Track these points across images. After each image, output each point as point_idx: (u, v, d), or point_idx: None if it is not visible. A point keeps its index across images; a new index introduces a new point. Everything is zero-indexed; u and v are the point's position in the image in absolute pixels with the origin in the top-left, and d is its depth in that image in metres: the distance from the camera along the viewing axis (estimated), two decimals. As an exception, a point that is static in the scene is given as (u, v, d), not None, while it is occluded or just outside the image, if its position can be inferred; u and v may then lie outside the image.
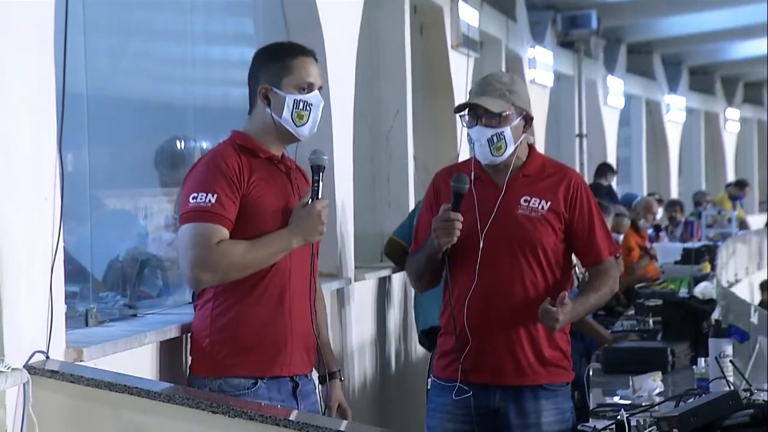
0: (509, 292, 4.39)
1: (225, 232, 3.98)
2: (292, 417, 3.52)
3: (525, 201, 4.44)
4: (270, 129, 4.13)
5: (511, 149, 4.42)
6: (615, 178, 15.50)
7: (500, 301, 4.40)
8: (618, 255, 4.84)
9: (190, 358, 4.13)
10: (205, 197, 3.97)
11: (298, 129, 4.12)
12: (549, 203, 4.44)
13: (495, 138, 4.40)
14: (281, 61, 4.14)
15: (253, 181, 4.05)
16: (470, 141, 4.48)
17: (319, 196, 4.07)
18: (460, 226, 4.32)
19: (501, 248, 4.40)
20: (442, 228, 4.32)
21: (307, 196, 4.08)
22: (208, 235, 3.95)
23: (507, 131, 4.41)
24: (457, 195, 4.34)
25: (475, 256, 4.39)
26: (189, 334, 4.25)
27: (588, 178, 16.11)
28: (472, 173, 4.48)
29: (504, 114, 4.41)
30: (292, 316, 4.09)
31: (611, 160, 18.19)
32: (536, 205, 4.44)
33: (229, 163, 4.03)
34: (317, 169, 4.08)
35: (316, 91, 4.15)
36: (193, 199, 3.99)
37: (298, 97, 4.11)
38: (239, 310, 4.03)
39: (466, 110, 4.47)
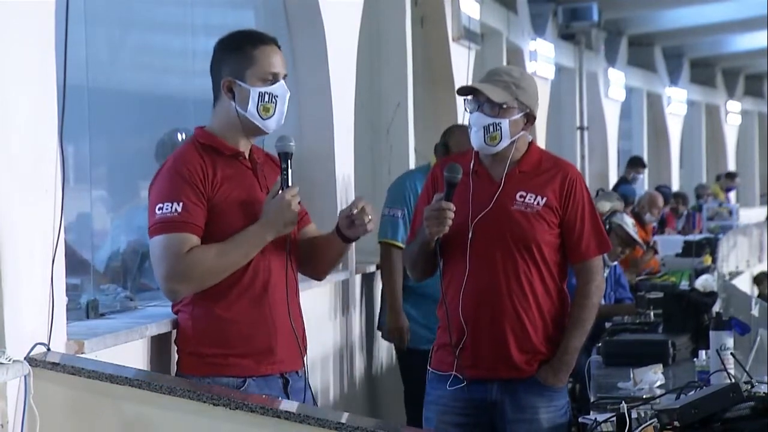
0: (504, 286, 4.37)
1: (195, 240, 3.88)
2: (292, 409, 3.53)
3: (521, 197, 4.41)
4: (235, 123, 4.00)
5: (506, 142, 4.40)
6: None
7: (494, 295, 4.38)
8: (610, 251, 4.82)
9: (176, 356, 4.10)
10: (171, 207, 3.87)
11: (265, 122, 3.99)
12: (544, 199, 4.41)
13: (491, 127, 4.38)
14: (243, 52, 4.00)
15: (218, 181, 3.93)
16: (470, 127, 4.47)
17: (289, 184, 3.96)
18: (452, 215, 4.29)
19: (494, 243, 4.38)
20: (434, 217, 4.29)
21: (277, 185, 3.96)
22: (178, 246, 3.85)
23: (505, 123, 4.38)
24: (450, 185, 4.32)
25: (466, 249, 4.38)
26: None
27: (589, 171, 16.15)
28: (471, 165, 4.47)
29: (505, 106, 4.39)
30: (276, 313, 4.00)
31: (612, 152, 18.22)
32: (532, 200, 4.41)
33: (191, 168, 3.91)
34: (284, 156, 3.96)
35: (282, 81, 4.01)
36: (159, 210, 3.89)
37: (263, 89, 3.97)
38: (220, 310, 3.94)
39: (471, 96, 4.45)
